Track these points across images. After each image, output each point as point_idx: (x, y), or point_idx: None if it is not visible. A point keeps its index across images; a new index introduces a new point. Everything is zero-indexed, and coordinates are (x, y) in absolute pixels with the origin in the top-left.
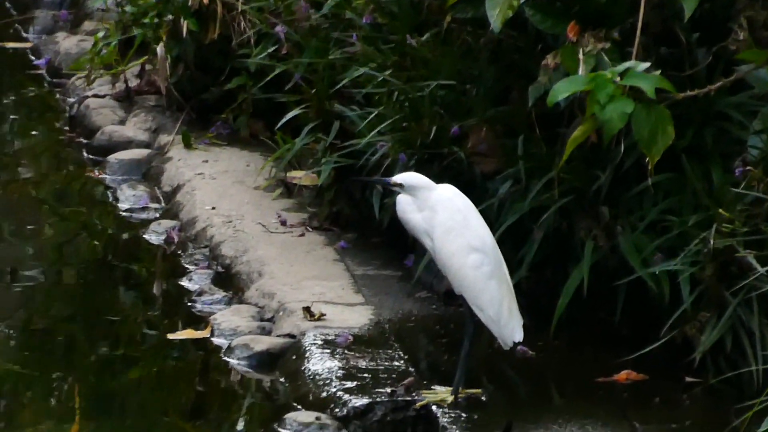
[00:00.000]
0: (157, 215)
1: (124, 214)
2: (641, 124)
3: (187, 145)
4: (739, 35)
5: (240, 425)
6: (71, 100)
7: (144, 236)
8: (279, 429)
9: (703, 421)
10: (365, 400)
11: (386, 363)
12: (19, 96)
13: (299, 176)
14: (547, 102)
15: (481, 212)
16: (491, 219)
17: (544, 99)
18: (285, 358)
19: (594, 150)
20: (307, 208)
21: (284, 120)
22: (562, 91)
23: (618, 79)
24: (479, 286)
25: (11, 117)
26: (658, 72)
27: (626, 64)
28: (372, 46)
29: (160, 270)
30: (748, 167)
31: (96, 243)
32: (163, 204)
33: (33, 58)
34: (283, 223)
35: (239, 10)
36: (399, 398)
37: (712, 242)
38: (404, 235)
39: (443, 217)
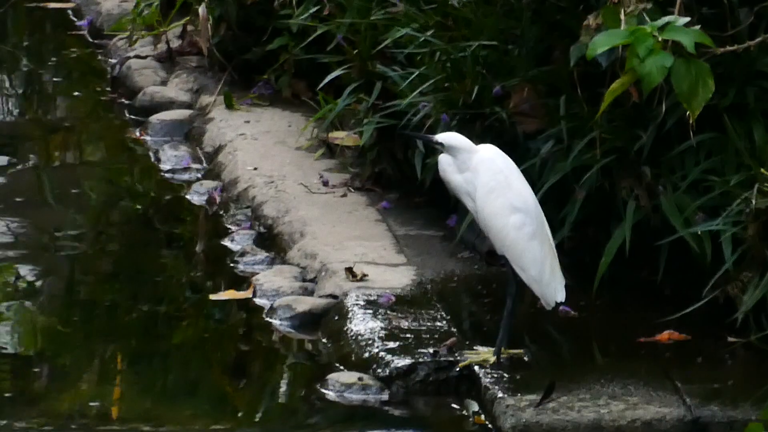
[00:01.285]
0: (199, 176)
1: (166, 175)
2: (681, 77)
3: (229, 106)
4: None
5: (282, 386)
6: (113, 61)
7: (186, 197)
8: (321, 389)
9: (745, 380)
10: (408, 361)
11: (428, 323)
12: (60, 57)
13: (341, 137)
14: (587, 55)
15: (523, 172)
16: (533, 179)
17: (586, 59)
18: (327, 319)
19: (636, 109)
20: (349, 169)
21: (326, 80)
22: (601, 44)
23: (657, 33)
24: (521, 246)
25: (53, 78)
26: (698, 27)
27: (666, 19)
28: (414, 7)
29: (203, 231)
30: None
31: (138, 204)
32: (204, 164)
33: (75, 18)
34: (325, 183)
35: None
36: (441, 359)
37: (754, 202)
38: (446, 195)
39: (485, 177)
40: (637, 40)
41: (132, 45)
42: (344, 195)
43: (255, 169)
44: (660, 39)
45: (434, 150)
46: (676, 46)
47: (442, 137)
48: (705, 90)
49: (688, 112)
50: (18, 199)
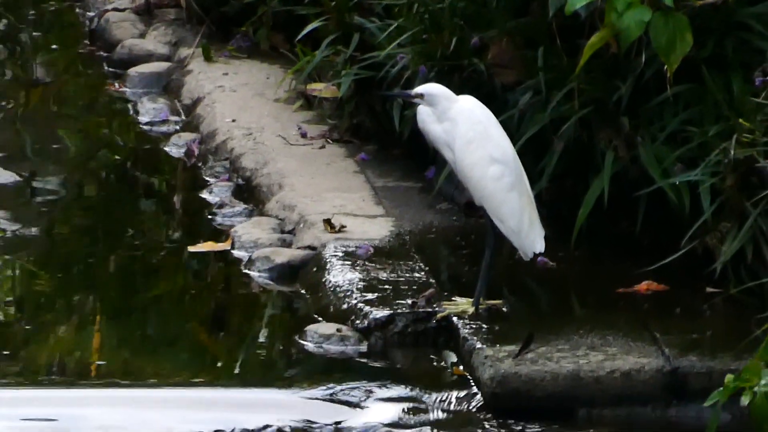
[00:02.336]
0: (177, 128)
1: (144, 127)
2: (659, 31)
3: (207, 58)
4: None
5: (261, 337)
6: (91, 14)
7: (164, 149)
8: (300, 341)
9: (724, 331)
10: (386, 312)
11: (407, 275)
12: (38, 11)
13: (319, 89)
14: (565, 11)
15: (502, 123)
16: (512, 130)
17: (564, 10)
18: (305, 270)
19: (614, 61)
20: (327, 121)
21: (304, 32)
22: None
23: None
24: (500, 197)
25: (31, 32)
26: None
27: None
28: None
29: (181, 183)
30: None
31: (116, 156)
32: (183, 117)
33: None
34: (304, 135)
35: None
36: (420, 310)
37: (732, 152)
38: (425, 146)
39: (464, 128)
40: None
41: None
42: (322, 147)
43: (233, 121)
44: None
45: (413, 103)
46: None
47: (422, 88)
48: (683, 44)
49: (665, 64)
50: None
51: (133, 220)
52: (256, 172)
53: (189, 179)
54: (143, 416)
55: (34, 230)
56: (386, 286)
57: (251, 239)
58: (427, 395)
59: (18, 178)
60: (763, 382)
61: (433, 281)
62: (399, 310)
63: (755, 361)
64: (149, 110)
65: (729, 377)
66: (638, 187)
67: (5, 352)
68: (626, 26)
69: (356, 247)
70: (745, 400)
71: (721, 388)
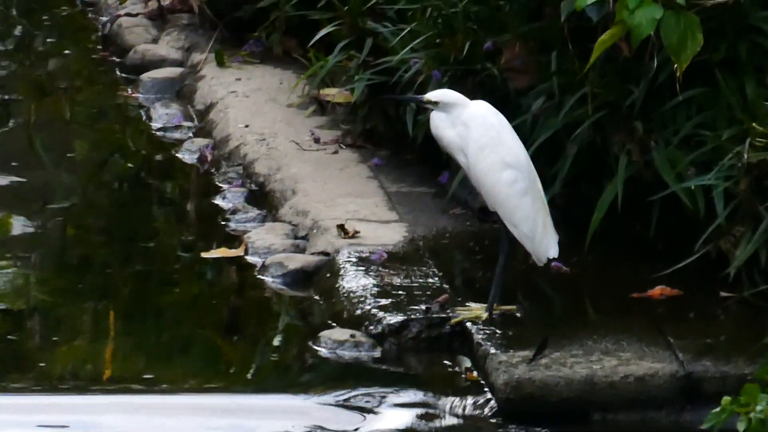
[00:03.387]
0: (191, 134)
1: (157, 132)
2: (670, 29)
3: (220, 64)
4: None
5: (275, 343)
6: (104, 19)
7: (177, 155)
8: (314, 347)
9: (738, 335)
10: (400, 318)
11: (420, 280)
12: (51, 16)
13: (332, 94)
14: (576, 6)
15: (515, 128)
16: (525, 135)
17: (577, 14)
18: (319, 276)
19: (627, 64)
20: (340, 126)
21: (317, 37)
22: None
23: None
24: (513, 202)
25: (44, 37)
26: None
27: None
28: None
29: (194, 189)
30: None
31: (129, 162)
32: (196, 122)
33: None
34: (317, 140)
35: None
36: (434, 315)
37: (746, 156)
38: (438, 151)
39: (477, 133)
40: None
41: (123, 3)
42: (335, 152)
43: (246, 126)
44: None
45: (425, 108)
46: None
47: (435, 94)
48: (693, 43)
49: (675, 65)
50: (9, 159)
51: (147, 227)
52: (269, 178)
53: (202, 185)
54: (157, 423)
55: (47, 237)
56: (400, 292)
57: (265, 245)
58: (441, 401)
59: (31, 185)
60: (759, 407)
61: (447, 286)
62: (413, 316)
63: (753, 385)
64: (162, 116)
65: (726, 400)
66: (652, 191)
67: (19, 359)
68: (637, 23)
69: (370, 252)
70: (741, 427)
71: (718, 409)
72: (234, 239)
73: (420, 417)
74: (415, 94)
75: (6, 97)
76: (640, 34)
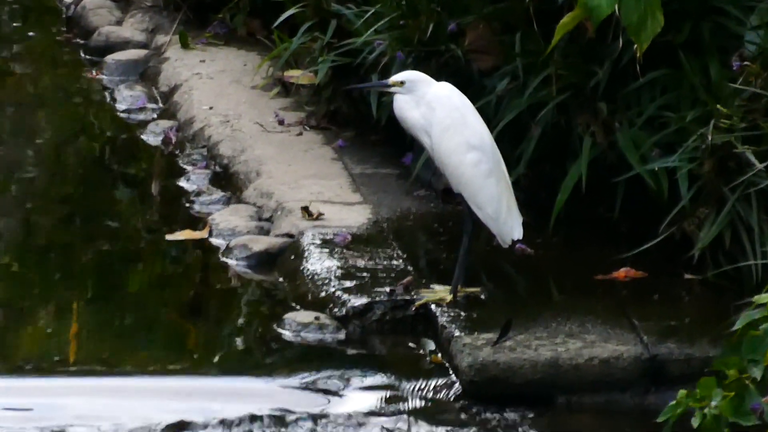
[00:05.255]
0: (155, 115)
1: (121, 114)
2: (630, 9)
3: (184, 45)
4: None
5: (239, 326)
6: (68, 1)
7: (141, 137)
8: (278, 329)
9: (702, 317)
10: (364, 300)
11: (385, 262)
12: None
13: (296, 75)
14: None
15: (479, 109)
16: (489, 116)
17: None
18: (283, 258)
19: (591, 45)
20: (304, 107)
21: (281, 19)
22: None
23: None
24: (477, 183)
25: (9, 20)
26: None
27: None
28: None
29: (158, 170)
30: (746, 62)
31: (94, 144)
32: (160, 104)
33: None
34: (281, 122)
35: None
36: (398, 297)
37: (710, 138)
38: (402, 133)
39: (441, 114)
40: None
41: None
42: (300, 134)
43: (210, 108)
44: None
45: (389, 92)
46: None
47: (403, 75)
48: (654, 23)
49: (636, 46)
50: None
51: (110, 208)
52: (233, 160)
53: (166, 167)
54: (120, 405)
55: (9, 218)
56: (364, 274)
57: (229, 227)
58: (405, 383)
59: None
60: (713, 403)
61: (411, 269)
62: (377, 298)
63: (709, 378)
64: (126, 98)
65: (682, 393)
66: (616, 173)
67: None
68: (597, 4)
69: (334, 234)
70: (695, 423)
71: (673, 403)
72: (198, 221)
73: (385, 399)
74: (379, 77)
75: None
76: (600, 15)
